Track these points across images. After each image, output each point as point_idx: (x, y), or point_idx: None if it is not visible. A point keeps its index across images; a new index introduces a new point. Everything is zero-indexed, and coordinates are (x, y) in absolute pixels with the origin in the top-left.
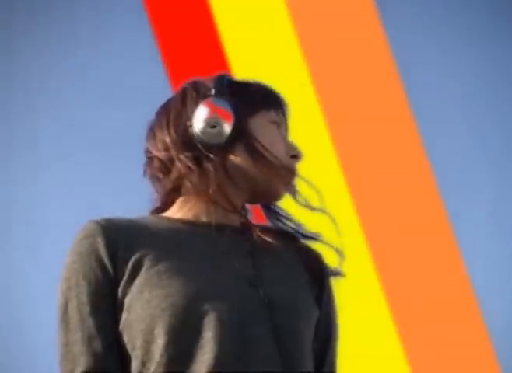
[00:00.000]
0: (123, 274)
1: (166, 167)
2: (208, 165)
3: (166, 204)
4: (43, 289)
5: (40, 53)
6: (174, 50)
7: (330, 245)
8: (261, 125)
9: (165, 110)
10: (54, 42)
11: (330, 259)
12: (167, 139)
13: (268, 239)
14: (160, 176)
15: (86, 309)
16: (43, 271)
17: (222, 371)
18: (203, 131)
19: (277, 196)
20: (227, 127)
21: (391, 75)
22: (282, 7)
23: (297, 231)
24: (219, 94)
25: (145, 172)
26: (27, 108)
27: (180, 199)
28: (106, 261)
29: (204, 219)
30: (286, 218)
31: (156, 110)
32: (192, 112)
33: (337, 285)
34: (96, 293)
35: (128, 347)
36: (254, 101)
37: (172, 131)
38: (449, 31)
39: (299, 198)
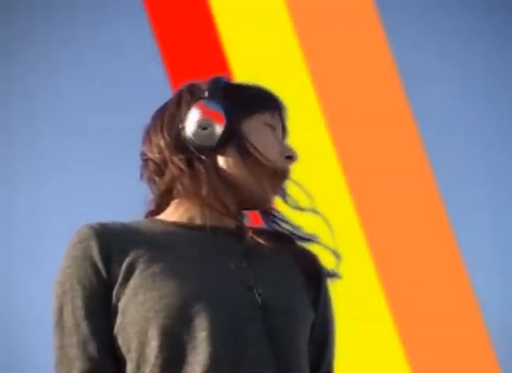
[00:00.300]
0: (117, 277)
1: (160, 169)
2: (200, 167)
3: (160, 207)
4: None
5: (41, 53)
6: (174, 50)
7: (327, 247)
8: (254, 127)
9: (160, 113)
10: (55, 42)
11: (327, 260)
12: (161, 142)
13: (262, 241)
14: (156, 178)
15: (81, 313)
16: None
17: (216, 371)
18: (195, 133)
19: (267, 199)
20: (219, 129)
21: (391, 75)
22: (282, 7)
23: (294, 234)
24: (212, 96)
25: (141, 175)
26: (27, 112)
27: (175, 201)
28: (100, 265)
29: (198, 222)
30: (282, 220)
31: (153, 113)
32: (185, 114)
33: (337, 286)
34: (91, 297)
35: (123, 350)
36: (249, 103)
37: (165, 134)
38: (449, 31)
39: (290, 200)
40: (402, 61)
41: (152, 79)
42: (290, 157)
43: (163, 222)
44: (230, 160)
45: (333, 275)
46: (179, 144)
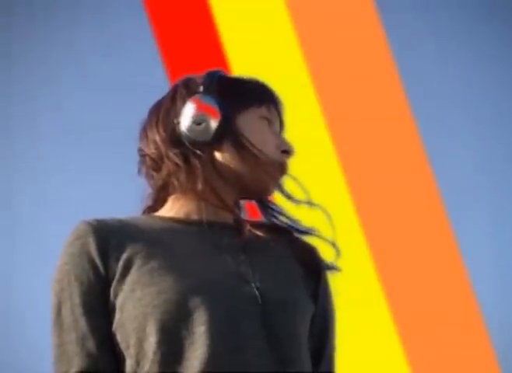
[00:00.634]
0: (114, 273)
1: (157, 165)
2: (196, 162)
3: (157, 202)
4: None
5: (41, 54)
6: (174, 50)
7: (325, 240)
8: (250, 121)
9: (156, 108)
10: (55, 43)
11: (326, 253)
12: (157, 137)
13: (260, 234)
14: (153, 174)
15: (79, 310)
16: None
17: (214, 366)
18: (190, 128)
19: (266, 192)
20: (213, 124)
21: (391, 75)
22: (282, 7)
23: (292, 227)
24: (207, 91)
25: (139, 171)
26: (27, 112)
27: (172, 197)
28: (98, 261)
29: (195, 217)
30: (281, 214)
31: (150, 108)
32: (180, 109)
33: (337, 286)
34: (89, 293)
35: (122, 346)
36: (245, 97)
37: (161, 129)
38: (449, 31)
39: (287, 193)
40: (402, 61)
41: (152, 79)
42: (286, 151)
43: (160, 218)
44: (226, 155)
45: (332, 268)
46: (174, 139)
